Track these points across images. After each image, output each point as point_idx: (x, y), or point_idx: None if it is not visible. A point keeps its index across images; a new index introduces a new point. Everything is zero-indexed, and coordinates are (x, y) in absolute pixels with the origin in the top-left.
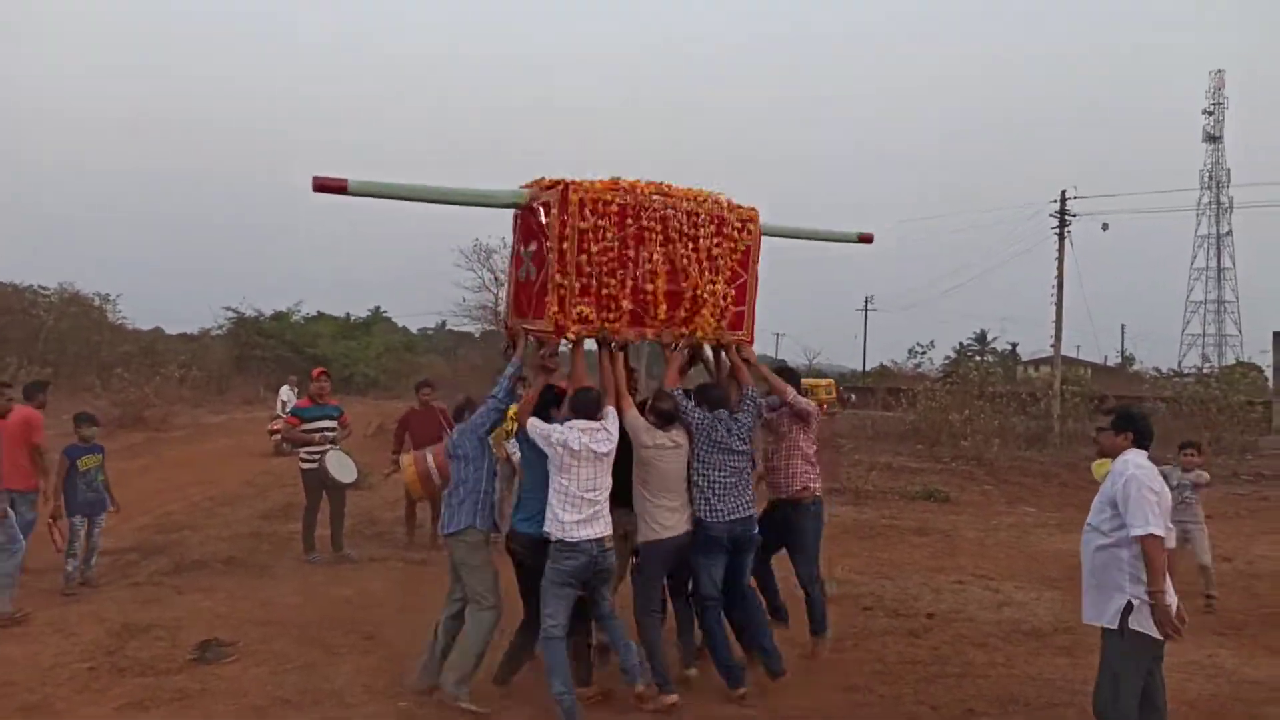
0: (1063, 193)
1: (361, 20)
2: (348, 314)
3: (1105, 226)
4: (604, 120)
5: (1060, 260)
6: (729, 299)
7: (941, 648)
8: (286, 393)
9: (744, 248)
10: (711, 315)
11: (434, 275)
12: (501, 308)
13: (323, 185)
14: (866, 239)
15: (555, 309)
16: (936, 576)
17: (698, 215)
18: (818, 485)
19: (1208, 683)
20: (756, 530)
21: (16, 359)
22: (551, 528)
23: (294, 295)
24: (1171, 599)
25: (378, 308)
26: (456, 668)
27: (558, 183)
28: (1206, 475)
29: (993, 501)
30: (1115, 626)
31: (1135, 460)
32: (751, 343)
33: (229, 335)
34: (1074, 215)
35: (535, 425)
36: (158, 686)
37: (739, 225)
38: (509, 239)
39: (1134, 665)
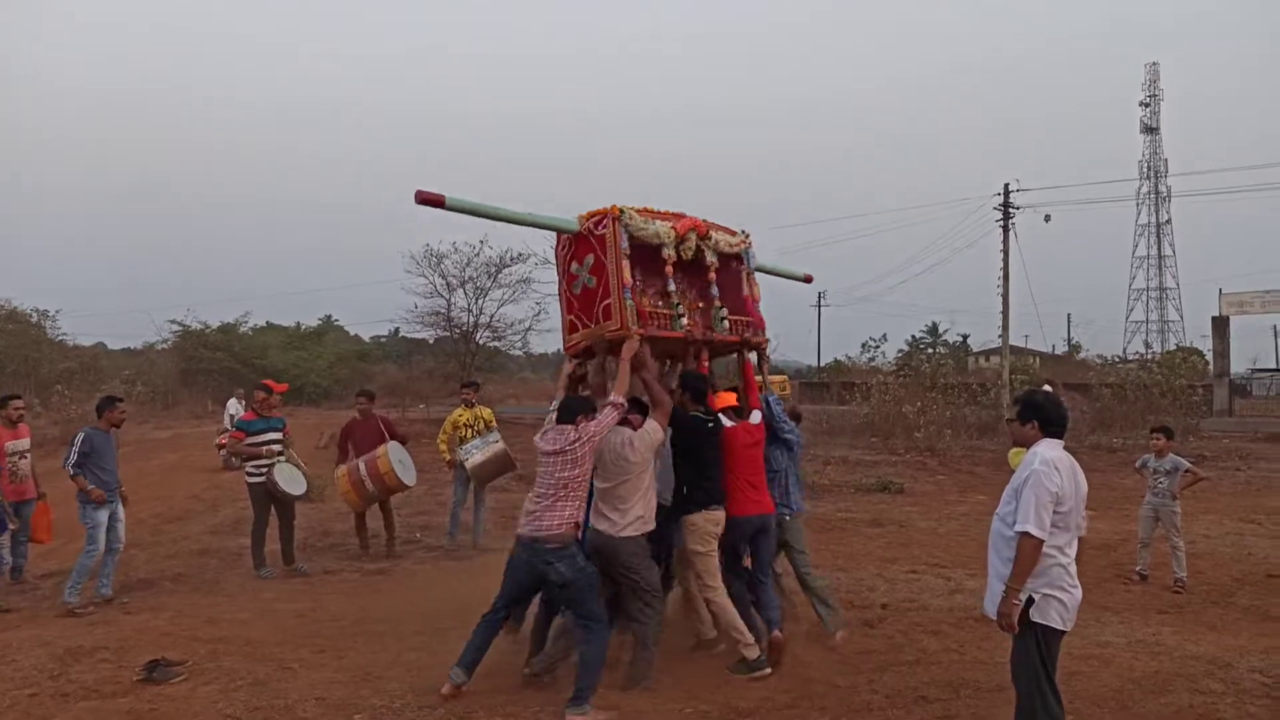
0: (1005, 185)
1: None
2: (298, 323)
3: (1048, 218)
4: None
5: (1005, 252)
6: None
7: (895, 636)
8: (234, 406)
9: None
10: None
11: (384, 282)
12: (462, 315)
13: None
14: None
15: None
16: (891, 567)
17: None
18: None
19: (1152, 660)
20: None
21: None
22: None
23: (241, 307)
24: (1066, 597)
25: (329, 316)
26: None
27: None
28: (1185, 461)
29: (945, 491)
30: (1019, 629)
31: (1043, 454)
32: (566, 350)
33: (174, 349)
34: (1017, 208)
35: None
36: (104, 710)
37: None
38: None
39: (1043, 659)
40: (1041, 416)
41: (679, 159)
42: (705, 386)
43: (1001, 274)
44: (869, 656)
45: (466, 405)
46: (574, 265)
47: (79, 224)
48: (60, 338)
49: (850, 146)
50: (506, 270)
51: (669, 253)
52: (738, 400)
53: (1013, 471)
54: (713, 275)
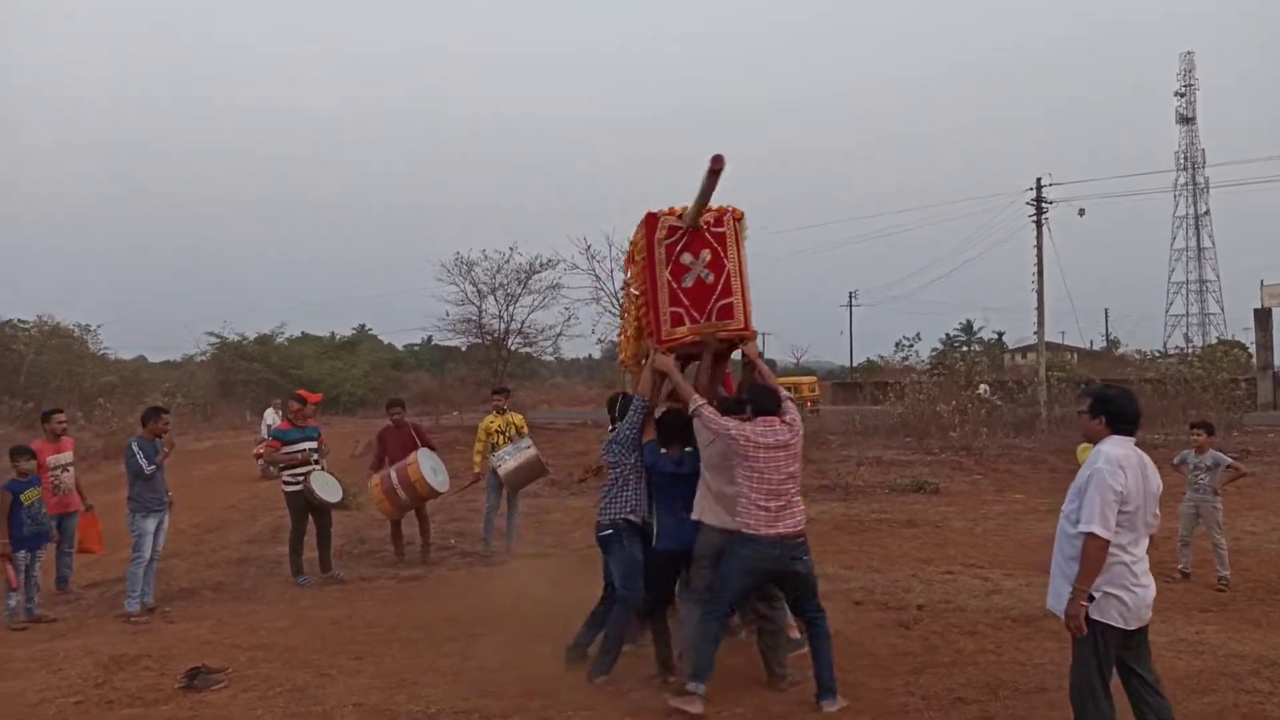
0: (1038, 180)
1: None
2: (332, 333)
3: (1082, 212)
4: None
5: (1039, 247)
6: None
7: (931, 638)
8: (271, 416)
9: (641, 258)
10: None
11: (416, 291)
12: (493, 321)
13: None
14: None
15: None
16: (926, 568)
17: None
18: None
19: (1195, 659)
20: (604, 533)
21: None
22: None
23: (277, 318)
24: (1129, 596)
25: (363, 325)
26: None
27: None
28: (1226, 457)
29: (981, 490)
30: (1086, 631)
31: (1108, 452)
32: (659, 344)
33: (213, 361)
34: (1050, 202)
35: None
36: (147, 717)
37: (641, 239)
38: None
39: (1099, 656)
40: (1110, 411)
41: (679, 159)
42: None
43: (1036, 269)
44: (905, 658)
45: (498, 412)
46: (685, 256)
47: (116, 237)
48: (102, 352)
49: (879, 142)
50: (536, 276)
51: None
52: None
53: (1080, 467)
54: None
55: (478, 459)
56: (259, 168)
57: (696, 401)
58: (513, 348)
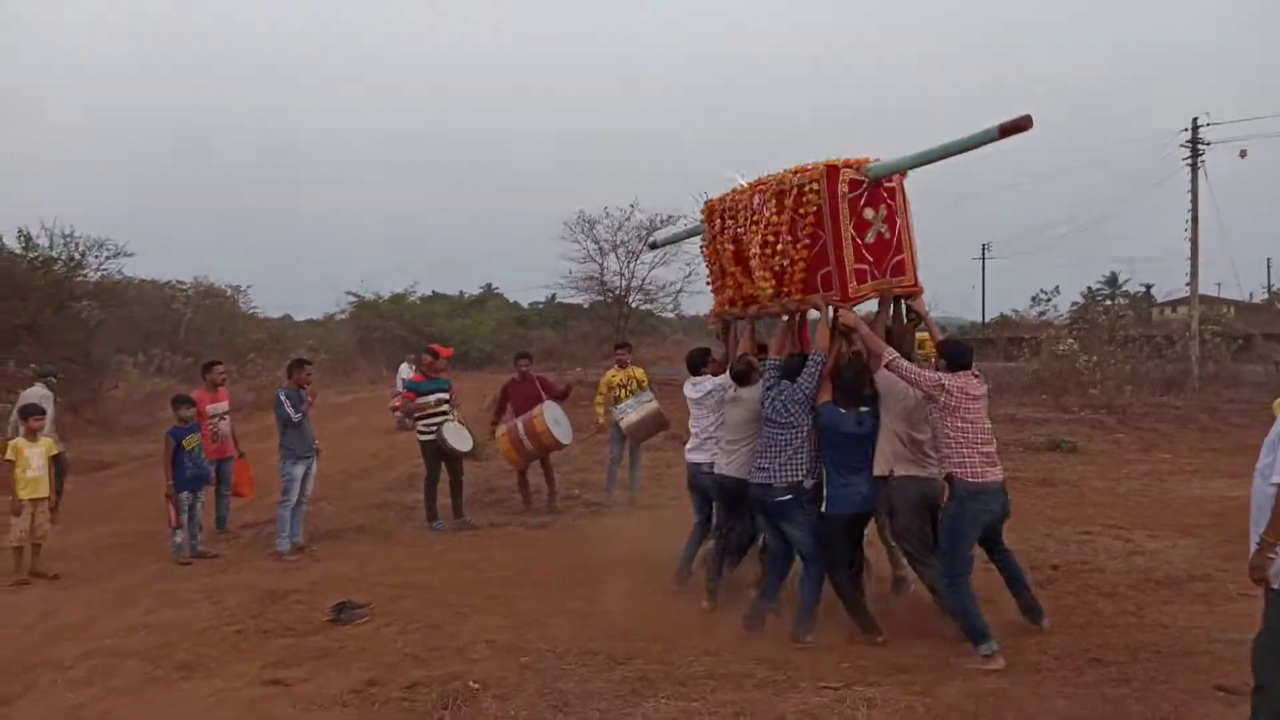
0: (1194, 120)
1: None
2: (461, 292)
3: (1243, 154)
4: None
5: (1194, 193)
6: (797, 265)
7: (1066, 598)
8: (405, 370)
9: (814, 210)
10: (789, 288)
11: (541, 249)
12: (614, 279)
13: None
14: (1016, 128)
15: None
16: (1062, 527)
17: (767, 195)
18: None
19: None
20: (784, 498)
21: (161, 350)
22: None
23: (410, 277)
24: None
25: (489, 285)
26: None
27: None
28: None
29: (1124, 450)
30: (1276, 586)
31: None
32: (845, 301)
33: (351, 319)
34: (1207, 144)
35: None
36: (299, 646)
37: (804, 190)
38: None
39: None
40: None
41: (799, 122)
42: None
43: (1190, 217)
44: None
45: (620, 366)
46: (868, 212)
47: (261, 201)
48: (252, 310)
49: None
50: (657, 233)
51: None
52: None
53: (1276, 421)
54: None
55: (600, 411)
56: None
57: (890, 354)
58: (634, 304)
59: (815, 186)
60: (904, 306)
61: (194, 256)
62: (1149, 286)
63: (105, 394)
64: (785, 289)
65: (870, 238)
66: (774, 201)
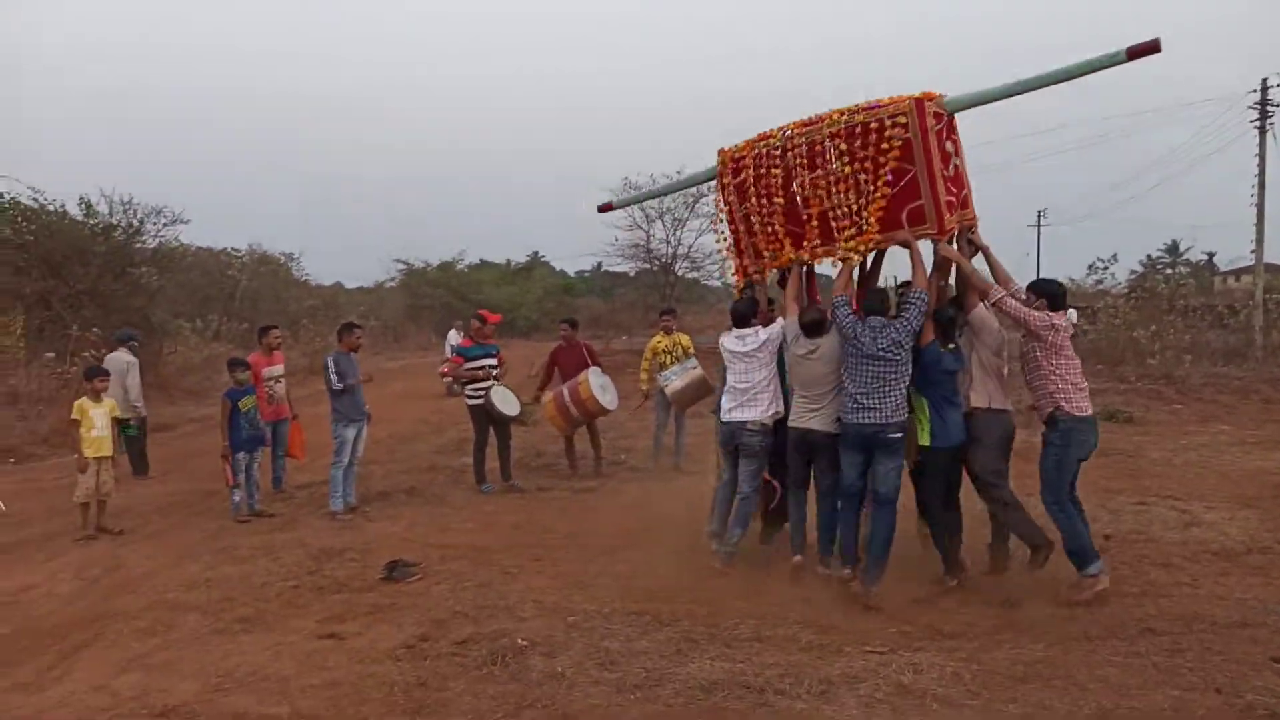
0: (1263, 81)
1: None
2: (508, 260)
3: None
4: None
5: (1261, 157)
6: (877, 203)
7: (1120, 568)
8: (454, 337)
9: (899, 144)
10: (851, 226)
11: (587, 218)
12: (661, 246)
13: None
14: (1146, 50)
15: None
16: (1116, 498)
17: (835, 135)
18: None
19: None
20: (896, 435)
21: (218, 316)
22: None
23: (458, 245)
24: None
25: (536, 253)
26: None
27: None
28: None
29: (1183, 421)
30: None
31: None
32: (941, 234)
33: (401, 286)
34: (1276, 106)
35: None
36: (353, 601)
37: (888, 125)
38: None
39: None
40: None
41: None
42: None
43: (1257, 182)
44: None
45: (665, 332)
46: (948, 145)
47: (314, 171)
48: (304, 278)
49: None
50: (703, 201)
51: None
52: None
53: None
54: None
55: (644, 377)
56: (439, 115)
57: (999, 292)
58: (680, 272)
59: (903, 120)
60: (965, 239)
61: (249, 224)
62: (1212, 255)
63: (164, 358)
64: (858, 230)
65: (950, 171)
66: (847, 143)
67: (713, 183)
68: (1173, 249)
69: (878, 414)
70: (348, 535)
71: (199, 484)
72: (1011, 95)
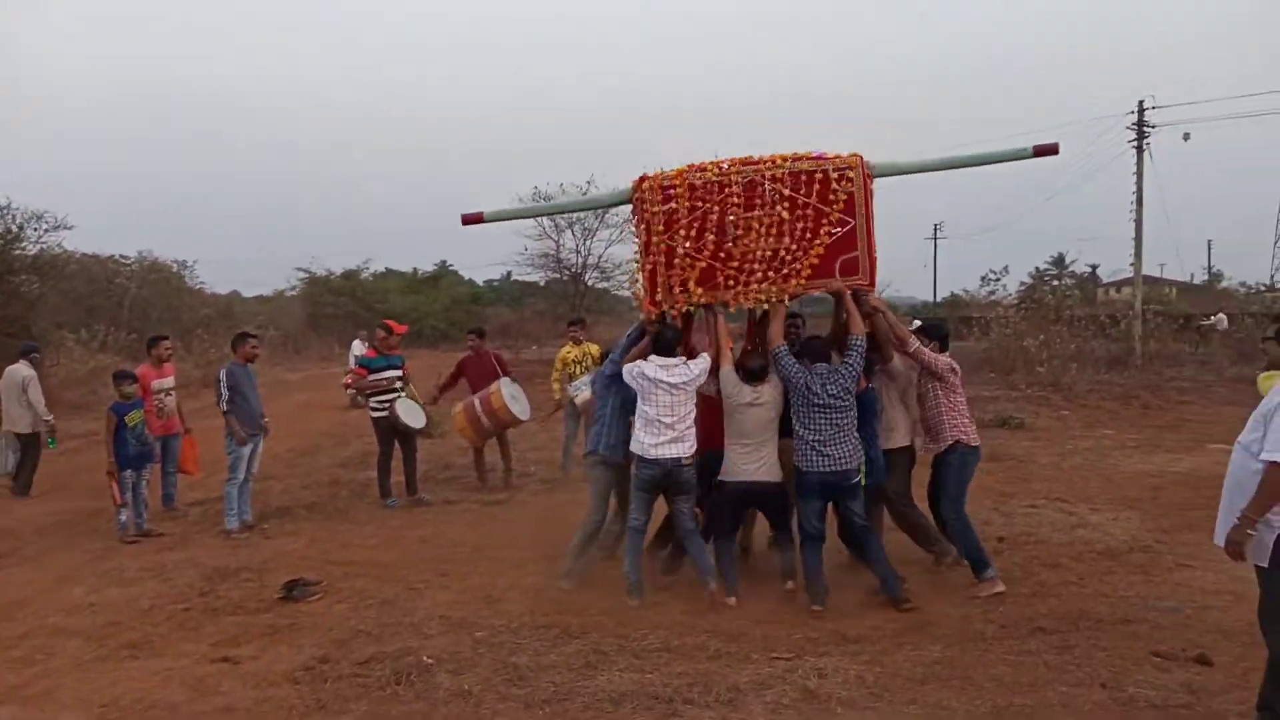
0: (1140, 103)
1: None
2: (414, 269)
3: (1186, 137)
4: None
5: (1139, 175)
6: (815, 250)
7: (1012, 569)
8: (358, 347)
9: (845, 196)
10: (795, 273)
11: (496, 227)
12: (571, 256)
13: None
14: (1048, 151)
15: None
16: (1008, 501)
17: (778, 179)
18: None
19: None
20: (857, 480)
21: (104, 326)
22: (634, 447)
23: (362, 254)
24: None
25: (444, 261)
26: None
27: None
28: None
29: (1069, 426)
30: (1266, 564)
31: None
32: (871, 286)
33: (302, 295)
34: (1153, 127)
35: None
36: (248, 623)
37: (835, 177)
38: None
39: None
40: None
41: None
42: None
43: (1135, 199)
44: None
45: (575, 343)
46: (873, 205)
47: (210, 175)
48: (198, 286)
49: (956, 66)
50: (614, 211)
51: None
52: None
53: (1260, 398)
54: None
55: (556, 388)
56: (341, 113)
57: (915, 341)
58: (590, 282)
59: (851, 175)
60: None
61: (139, 232)
62: (1095, 267)
63: (46, 370)
64: (788, 275)
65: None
66: (791, 188)
67: (621, 207)
68: (1059, 261)
69: (839, 461)
70: (244, 554)
71: (82, 503)
72: (925, 171)
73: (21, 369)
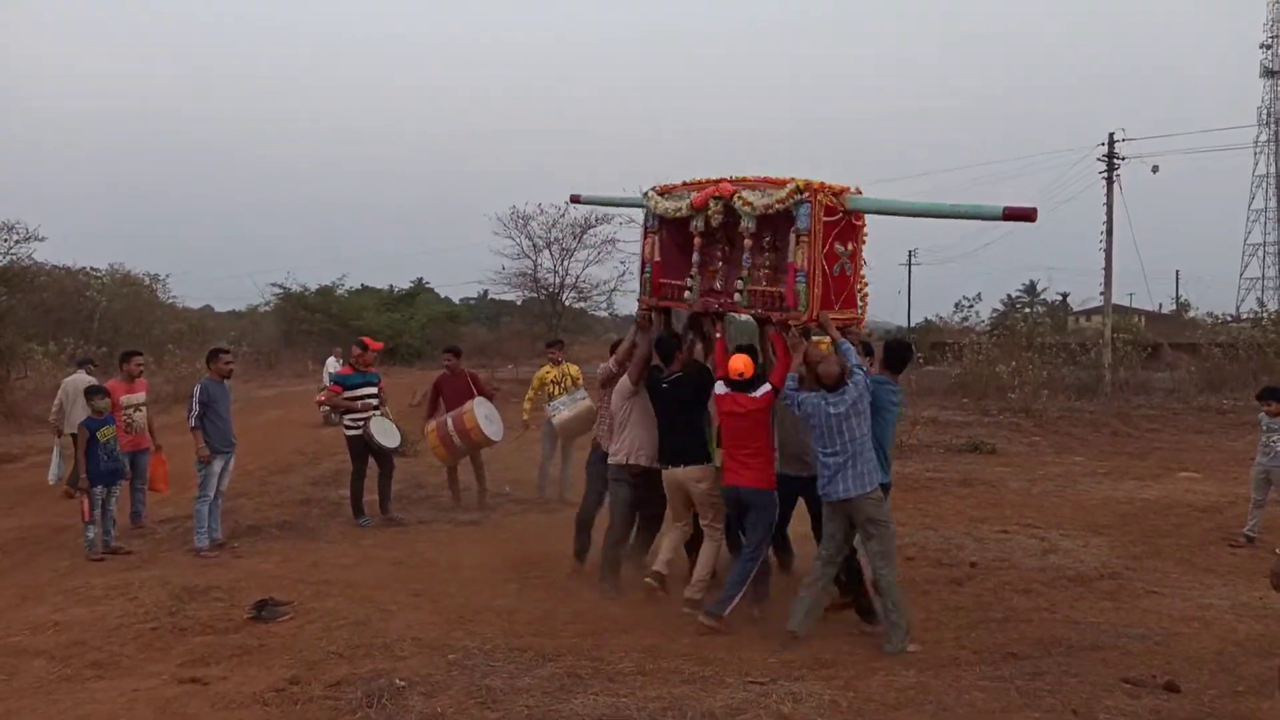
0: (1110, 135)
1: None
2: (391, 286)
3: (1155, 169)
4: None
5: (1109, 206)
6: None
7: (984, 595)
8: (333, 364)
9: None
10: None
11: (473, 245)
12: (548, 275)
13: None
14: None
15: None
16: (980, 526)
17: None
18: None
19: (1257, 623)
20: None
21: (73, 340)
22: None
23: (338, 270)
24: None
25: (420, 279)
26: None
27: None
28: None
29: (1040, 452)
30: None
31: None
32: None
33: (276, 311)
34: (1123, 158)
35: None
36: (218, 643)
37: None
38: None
39: None
40: None
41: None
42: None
43: (1104, 229)
44: (957, 614)
45: (554, 363)
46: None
47: (184, 190)
48: (171, 300)
49: (942, 99)
50: (591, 231)
51: (696, 225)
52: (752, 369)
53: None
54: (747, 242)
55: (527, 406)
56: (320, 127)
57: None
58: (567, 302)
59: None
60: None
61: (112, 245)
62: (1065, 295)
63: (13, 383)
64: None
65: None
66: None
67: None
68: (1031, 289)
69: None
70: (214, 573)
71: (47, 519)
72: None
73: (82, 377)
